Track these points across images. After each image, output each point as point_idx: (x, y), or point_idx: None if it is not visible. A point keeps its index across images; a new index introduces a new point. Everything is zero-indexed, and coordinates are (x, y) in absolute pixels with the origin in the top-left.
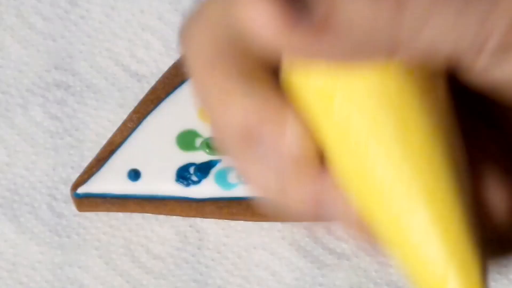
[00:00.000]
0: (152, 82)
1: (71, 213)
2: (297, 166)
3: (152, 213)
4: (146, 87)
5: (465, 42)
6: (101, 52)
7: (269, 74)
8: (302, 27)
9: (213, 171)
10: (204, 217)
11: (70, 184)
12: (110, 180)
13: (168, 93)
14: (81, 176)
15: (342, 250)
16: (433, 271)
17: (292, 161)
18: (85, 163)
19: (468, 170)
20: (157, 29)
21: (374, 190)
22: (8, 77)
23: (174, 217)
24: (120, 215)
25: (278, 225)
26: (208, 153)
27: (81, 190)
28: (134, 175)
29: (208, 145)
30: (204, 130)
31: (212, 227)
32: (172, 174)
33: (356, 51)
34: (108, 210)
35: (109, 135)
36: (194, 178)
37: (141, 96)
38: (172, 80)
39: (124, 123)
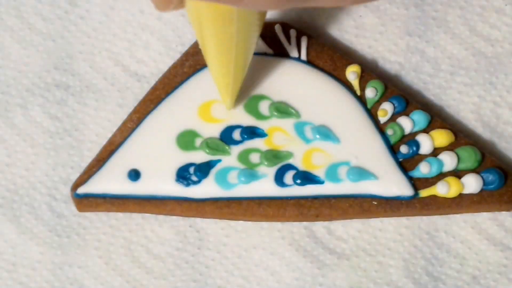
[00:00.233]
0: (152, 82)
1: (71, 213)
2: None
3: (152, 213)
4: (146, 87)
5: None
6: (101, 52)
7: None
8: None
9: (213, 171)
10: (204, 217)
11: (70, 184)
12: (110, 180)
13: (168, 93)
14: (81, 176)
15: (342, 250)
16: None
17: None
18: (85, 163)
19: (245, 63)
20: (157, 29)
21: (205, 53)
22: (8, 77)
23: (174, 217)
24: (120, 215)
25: (278, 225)
26: (208, 153)
27: (81, 190)
28: (134, 175)
29: (208, 145)
30: (204, 130)
31: (212, 227)
32: (172, 174)
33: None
34: (108, 210)
35: (109, 135)
36: (194, 178)
37: (141, 96)
38: (172, 80)
39: (124, 123)
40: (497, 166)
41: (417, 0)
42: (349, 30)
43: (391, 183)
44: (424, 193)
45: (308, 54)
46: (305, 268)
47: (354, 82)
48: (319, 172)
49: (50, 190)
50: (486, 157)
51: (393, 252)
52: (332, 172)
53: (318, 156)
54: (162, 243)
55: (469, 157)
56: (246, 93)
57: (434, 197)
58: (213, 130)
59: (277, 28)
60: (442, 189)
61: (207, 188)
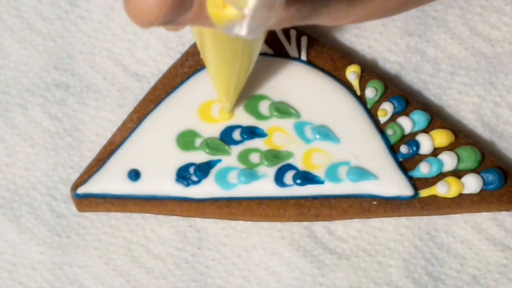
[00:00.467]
0: (152, 82)
1: (71, 213)
2: None
3: (152, 213)
4: (146, 87)
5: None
6: (101, 52)
7: None
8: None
9: (213, 171)
10: (204, 217)
11: (70, 184)
12: (110, 180)
13: (168, 93)
14: (81, 176)
15: (342, 250)
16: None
17: None
18: (85, 163)
19: (247, 72)
20: (157, 29)
21: (208, 66)
22: (8, 77)
23: (174, 217)
24: (120, 215)
25: (278, 225)
26: (208, 153)
27: (81, 190)
28: (134, 175)
29: (208, 145)
30: (204, 130)
31: (212, 227)
32: (172, 174)
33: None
34: (108, 210)
35: (109, 135)
36: (194, 178)
37: (141, 96)
38: (172, 80)
39: (124, 123)
40: (497, 166)
41: None
42: (349, 30)
43: (391, 183)
44: (424, 193)
45: (308, 54)
46: (305, 268)
47: (354, 82)
48: (319, 172)
49: (50, 190)
50: (486, 157)
51: (393, 252)
52: (332, 172)
53: (318, 156)
54: (162, 243)
55: (469, 157)
56: (246, 93)
57: (434, 197)
58: (213, 130)
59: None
60: (442, 189)
61: (207, 188)
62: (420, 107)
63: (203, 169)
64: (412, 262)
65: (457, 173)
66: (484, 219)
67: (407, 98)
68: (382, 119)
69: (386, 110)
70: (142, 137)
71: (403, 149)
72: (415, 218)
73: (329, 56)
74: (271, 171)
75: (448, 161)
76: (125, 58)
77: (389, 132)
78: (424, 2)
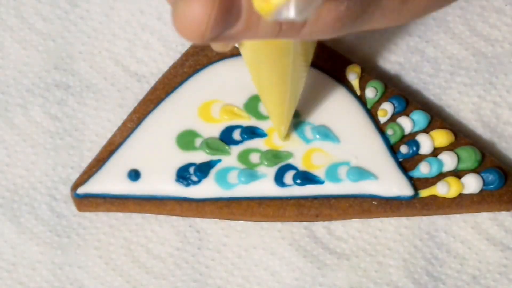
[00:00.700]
0: (152, 82)
1: (71, 213)
2: None
3: (152, 213)
4: (146, 87)
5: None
6: (101, 52)
7: None
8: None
9: (213, 171)
10: (204, 217)
11: (70, 184)
12: (110, 180)
13: (168, 93)
14: (81, 176)
15: (342, 250)
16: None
17: None
18: (85, 163)
19: (299, 90)
20: (156, 29)
21: (261, 93)
22: (8, 77)
23: (174, 217)
24: (120, 215)
25: (278, 225)
26: (208, 153)
27: (81, 190)
28: (134, 175)
29: (208, 145)
30: (204, 130)
31: (212, 227)
32: (172, 174)
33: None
34: (108, 210)
35: (109, 135)
36: (194, 178)
37: (141, 96)
38: (172, 80)
39: (124, 123)
40: (497, 166)
41: None
42: None
43: (391, 183)
44: (424, 193)
45: None
46: (305, 268)
47: (354, 82)
48: (319, 172)
49: (50, 190)
50: (486, 157)
51: (393, 252)
52: (332, 172)
53: (318, 156)
54: (162, 243)
55: (469, 157)
56: (246, 93)
57: (434, 197)
58: (213, 130)
59: None
60: (442, 189)
61: (207, 188)
62: (420, 107)
63: (203, 169)
64: (412, 262)
65: (457, 173)
66: (484, 219)
67: (407, 98)
68: (382, 119)
69: (386, 110)
70: (142, 137)
71: (403, 149)
72: (415, 218)
73: (329, 56)
74: (271, 171)
75: (448, 161)
76: (125, 58)
77: (389, 132)
78: None
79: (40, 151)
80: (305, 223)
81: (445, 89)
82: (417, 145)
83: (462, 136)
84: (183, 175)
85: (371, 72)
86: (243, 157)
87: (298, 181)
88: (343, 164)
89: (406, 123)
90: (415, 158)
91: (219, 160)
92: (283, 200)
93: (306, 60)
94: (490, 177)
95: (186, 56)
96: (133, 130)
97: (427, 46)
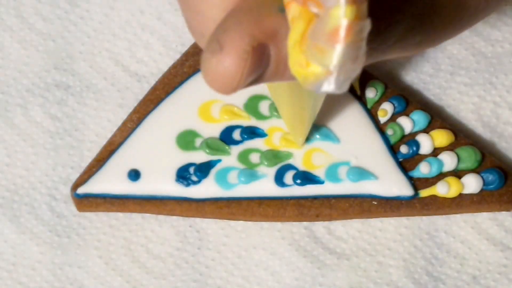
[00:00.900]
0: (152, 82)
1: (71, 213)
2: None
3: (152, 213)
4: (146, 87)
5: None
6: (101, 52)
7: None
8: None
9: (213, 171)
10: (204, 217)
11: (70, 184)
12: (110, 180)
13: (168, 93)
14: (81, 176)
15: (342, 250)
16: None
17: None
18: (85, 163)
19: (318, 106)
20: (156, 29)
21: (280, 108)
22: (8, 77)
23: (174, 217)
24: (120, 215)
25: (278, 225)
26: (208, 153)
27: (81, 190)
28: (134, 175)
29: (208, 145)
30: (204, 130)
31: (212, 227)
32: (172, 174)
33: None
34: (108, 210)
35: (109, 135)
36: (194, 178)
37: (141, 96)
38: (172, 80)
39: (124, 123)
40: (497, 166)
41: None
42: None
43: (391, 183)
44: (424, 193)
45: None
46: (305, 268)
47: (354, 82)
48: (319, 172)
49: (50, 190)
50: (486, 157)
51: (393, 252)
52: (332, 172)
53: (318, 156)
54: (162, 243)
55: (469, 157)
56: (246, 93)
57: (434, 197)
58: (213, 130)
59: None
60: (442, 189)
61: (207, 188)
62: (420, 107)
63: (203, 169)
64: (412, 262)
65: (457, 173)
66: (484, 219)
67: (407, 98)
68: (382, 119)
69: (386, 110)
70: (142, 137)
71: (403, 149)
72: (415, 218)
73: None
74: (271, 171)
75: (448, 161)
76: (125, 58)
77: (389, 132)
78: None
79: (40, 151)
80: (305, 223)
81: (445, 89)
82: (417, 145)
83: (462, 136)
84: (183, 175)
85: (371, 72)
86: (243, 157)
87: (298, 181)
88: (343, 164)
89: (406, 123)
90: (415, 158)
91: (219, 160)
92: (283, 200)
93: None
94: (490, 177)
95: (186, 56)
96: (133, 130)
97: None
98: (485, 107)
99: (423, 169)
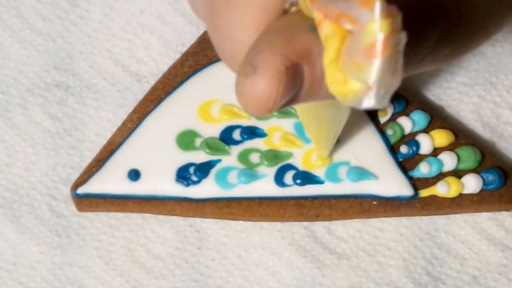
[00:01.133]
0: (152, 82)
1: (71, 213)
2: None
3: (152, 213)
4: (146, 87)
5: None
6: (101, 52)
7: None
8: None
9: (213, 171)
10: (204, 217)
11: (70, 184)
12: (110, 180)
13: (168, 93)
14: (81, 176)
15: (342, 250)
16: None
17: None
18: (85, 163)
19: (341, 124)
20: (156, 29)
21: (306, 123)
22: (8, 77)
23: (174, 217)
24: (120, 215)
25: (278, 225)
26: (208, 153)
27: (81, 190)
28: (134, 175)
29: (208, 145)
30: (204, 130)
31: (212, 227)
32: (172, 174)
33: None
34: (108, 210)
35: (109, 135)
36: (194, 178)
37: (141, 96)
38: (172, 80)
39: (124, 123)
40: (497, 166)
41: None
42: None
43: (391, 183)
44: (424, 193)
45: None
46: (305, 268)
47: None
48: (319, 172)
49: (50, 190)
50: (486, 157)
51: (393, 252)
52: (332, 172)
53: (318, 156)
54: (162, 243)
55: (469, 157)
56: None
57: (434, 197)
58: (213, 130)
59: None
60: (442, 189)
61: (207, 188)
62: (420, 107)
63: (203, 169)
64: (412, 262)
65: (457, 173)
66: (484, 219)
67: (407, 98)
68: (382, 119)
69: (386, 110)
70: (142, 137)
71: (403, 149)
72: (415, 218)
73: None
74: (271, 171)
75: (448, 161)
76: (125, 58)
77: (389, 132)
78: None
79: (40, 151)
80: (305, 223)
81: (445, 89)
82: (417, 145)
83: (462, 136)
84: (183, 175)
85: None
86: (243, 157)
87: (298, 181)
88: (343, 164)
89: (406, 123)
90: (415, 158)
91: (219, 160)
92: (283, 200)
93: None
94: (490, 177)
95: (186, 56)
96: (133, 130)
97: None
98: (485, 107)
99: (423, 169)
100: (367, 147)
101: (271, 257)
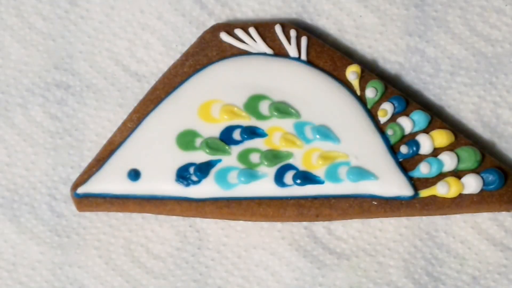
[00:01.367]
0: (152, 82)
1: (71, 213)
2: None
3: (152, 213)
4: (146, 87)
5: None
6: (101, 52)
7: None
8: None
9: (213, 171)
10: (204, 217)
11: (70, 184)
12: (110, 180)
13: (168, 93)
14: (81, 176)
15: (342, 250)
16: None
17: None
18: (85, 163)
19: None
20: (157, 29)
21: None
22: (8, 77)
23: (174, 217)
24: (120, 215)
25: (278, 225)
26: (208, 153)
27: (81, 190)
28: (134, 175)
29: (208, 145)
30: (204, 130)
31: (212, 227)
32: (172, 174)
33: None
34: (108, 210)
35: (109, 135)
36: (194, 178)
37: (141, 96)
38: (172, 80)
39: (124, 123)
40: (497, 166)
41: (417, 0)
42: (349, 30)
43: (391, 183)
44: (424, 193)
45: (308, 54)
46: (305, 268)
47: (354, 82)
48: (319, 172)
49: (50, 190)
50: (486, 157)
51: (393, 252)
52: (332, 172)
53: (318, 156)
54: (162, 243)
55: (469, 157)
56: (246, 93)
57: (434, 197)
58: (213, 130)
59: (277, 28)
60: (442, 189)
61: (207, 188)
62: (420, 107)
63: (203, 169)
64: (412, 262)
65: (457, 173)
66: (484, 219)
67: (407, 98)
68: (382, 119)
69: (386, 110)
70: (142, 137)
71: (403, 149)
72: (415, 218)
73: (329, 56)
74: (271, 171)
75: (448, 161)
76: (125, 58)
77: (389, 132)
78: None
79: (40, 151)
80: (305, 223)
81: (445, 89)
82: (417, 145)
83: (462, 136)
84: (183, 175)
85: (371, 72)
86: (243, 157)
87: (298, 181)
88: (343, 164)
89: (406, 123)
90: (415, 158)
91: (219, 160)
92: (283, 200)
93: None
94: (490, 177)
95: (186, 56)
96: (133, 130)
97: (427, 46)
98: (485, 107)
99: (423, 169)
100: (367, 147)
101: (271, 257)
